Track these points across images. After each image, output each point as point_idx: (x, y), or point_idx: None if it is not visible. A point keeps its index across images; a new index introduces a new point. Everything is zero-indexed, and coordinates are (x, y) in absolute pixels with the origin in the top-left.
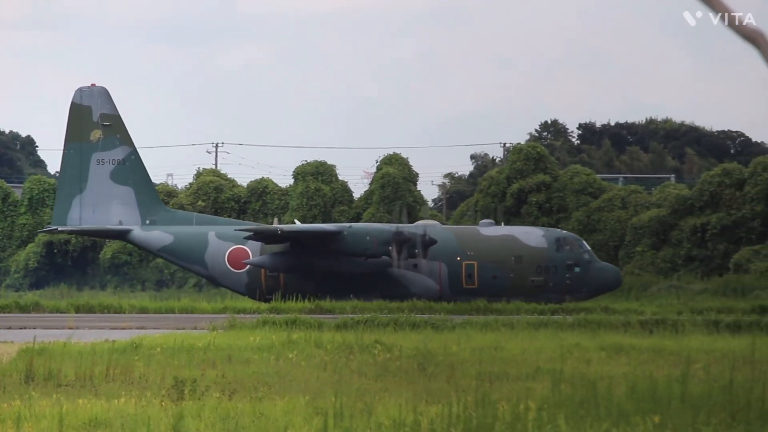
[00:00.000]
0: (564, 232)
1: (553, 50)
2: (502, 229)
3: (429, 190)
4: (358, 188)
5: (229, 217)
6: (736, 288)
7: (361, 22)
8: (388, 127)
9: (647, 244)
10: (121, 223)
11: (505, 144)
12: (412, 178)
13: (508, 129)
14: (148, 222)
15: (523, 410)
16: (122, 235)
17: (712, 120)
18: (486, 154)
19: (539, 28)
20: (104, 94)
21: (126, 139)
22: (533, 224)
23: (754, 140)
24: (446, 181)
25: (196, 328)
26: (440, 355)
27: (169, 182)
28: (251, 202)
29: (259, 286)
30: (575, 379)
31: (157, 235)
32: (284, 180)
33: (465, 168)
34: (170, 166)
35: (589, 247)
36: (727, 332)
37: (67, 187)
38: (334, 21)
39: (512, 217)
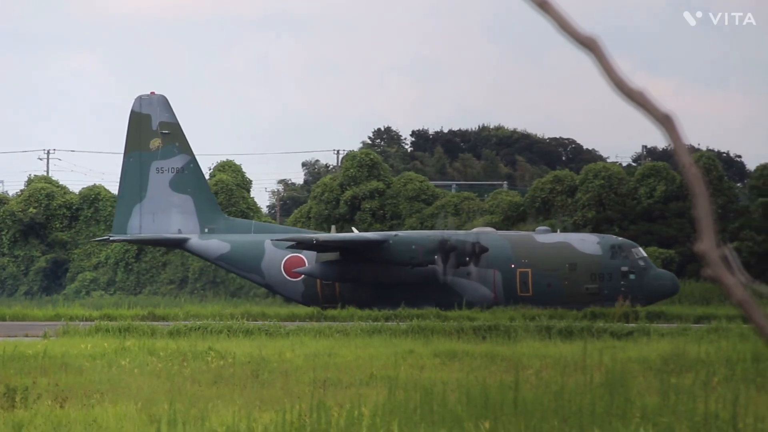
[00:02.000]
0: (620, 239)
1: (385, 57)
2: (558, 236)
3: (263, 197)
4: None
5: (61, 224)
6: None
7: (192, 29)
8: (221, 134)
9: None
10: (180, 231)
11: (338, 151)
12: (245, 185)
13: (342, 136)
14: (206, 230)
15: (357, 416)
16: (179, 244)
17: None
18: (317, 161)
19: (370, 35)
20: (163, 102)
21: (185, 147)
22: (367, 230)
23: (585, 147)
24: (280, 187)
25: (27, 336)
26: (274, 361)
27: (0, 189)
28: (83, 209)
29: (316, 295)
30: (409, 385)
31: (215, 244)
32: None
33: (299, 175)
34: (0, 173)
35: (645, 254)
36: (558, 338)
37: (128, 195)
38: (166, 27)
39: (346, 223)
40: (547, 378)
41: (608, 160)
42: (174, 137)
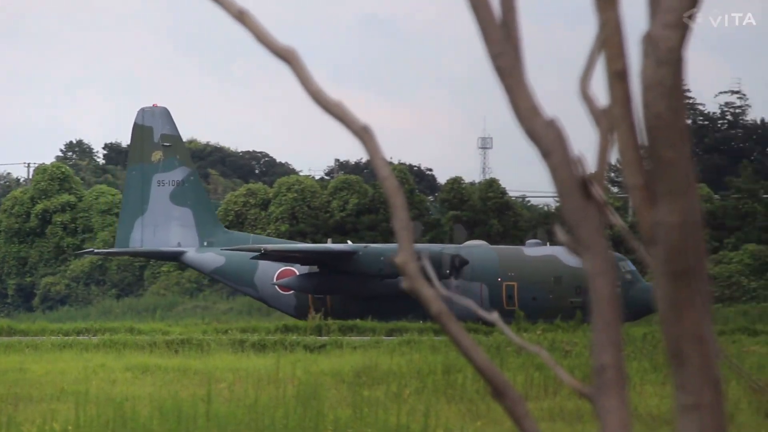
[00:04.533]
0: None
1: (76, 70)
2: (546, 249)
3: None
4: None
5: None
6: (261, 308)
7: None
8: None
9: (173, 264)
10: (179, 245)
11: (29, 164)
12: None
13: (34, 149)
14: (205, 244)
15: None
16: (176, 257)
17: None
18: (9, 174)
19: (62, 47)
20: (165, 114)
21: (185, 160)
22: (59, 245)
23: (278, 161)
24: None
25: None
26: None
27: None
28: None
29: (307, 309)
30: (101, 400)
31: (210, 257)
32: None
33: None
34: None
35: (633, 267)
36: (252, 351)
37: (130, 208)
38: None
39: (37, 237)
40: (240, 391)
41: (301, 174)
42: (175, 150)
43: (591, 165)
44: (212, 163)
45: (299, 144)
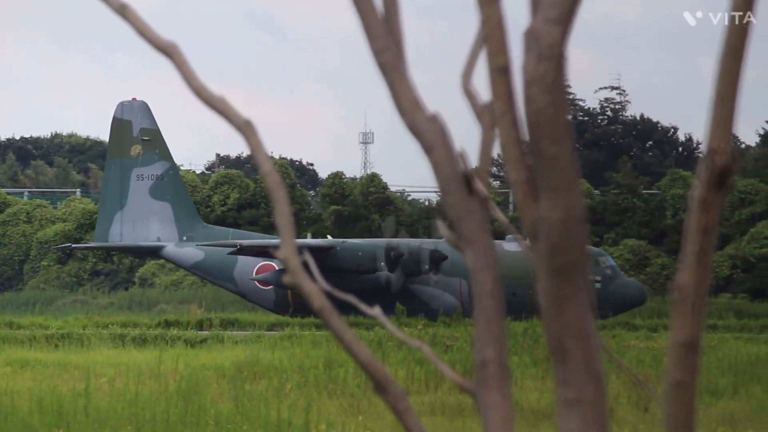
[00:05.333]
0: (588, 247)
1: None
2: (526, 244)
3: None
4: None
5: None
6: (142, 302)
7: None
8: None
9: (53, 258)
10: (159, 239)
11: None
12: None
13: None
14: (185, 238)
15: None
16: (155, 252)
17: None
18: None
19: None
20: (144, 108)
21: (165, 154)
22: None
23: None
24: None
25: None
26: None
27: None
28: None
29: (287, 304)
30: None
31: (189, 252)
32: None
33: None
34: None
35: (613, 263)
36: (133, 346)
37: (109, 203)
38: None
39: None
40: (120, 386)
41: (182, 168)
42: (154, 144)
43: (473, 160)
44: (92, 158)
45: (180, 139)
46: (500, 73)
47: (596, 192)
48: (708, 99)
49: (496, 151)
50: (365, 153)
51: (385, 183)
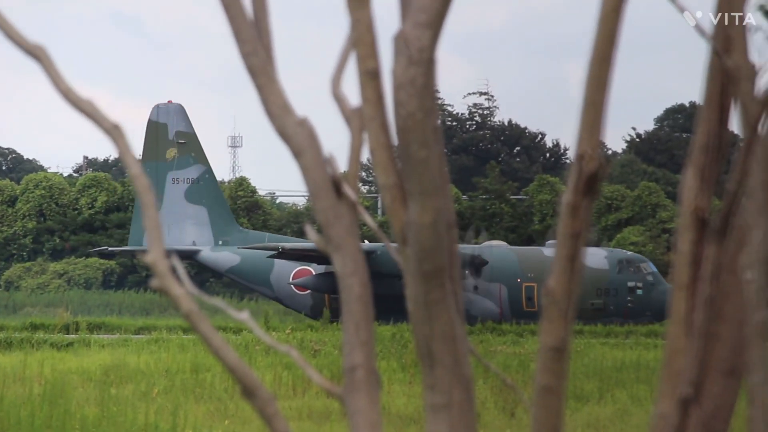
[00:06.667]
0: (629, 253)
1: None
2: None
3: None
4: None
5: None
6: (8, 305)
7: None
8: None
9: None
10: (194, 243)
11: None
12: None
13: None
14: (220, 242)
15: None
16: (191, 256)
17: None
18: None
19: None
20: (180, 111)
21: (200, 158)
22: None
23: (26, 157)
24: None
25: None
26: None
27: None
28: None
29: (323, 309)
30: None
31: (225, 256)
32: None
33: None
34: None
35: (655, 269)
36: None
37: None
38: None
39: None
40: None
41: (50, 170)
42: (190, 147)
43: (343, 164)
44: None
45: (47, 140)
46: (370, 77)
47: (464, 197)
48: (575, 105)
49: (365, 155)
50: (234, 156)
51: (254, 187)
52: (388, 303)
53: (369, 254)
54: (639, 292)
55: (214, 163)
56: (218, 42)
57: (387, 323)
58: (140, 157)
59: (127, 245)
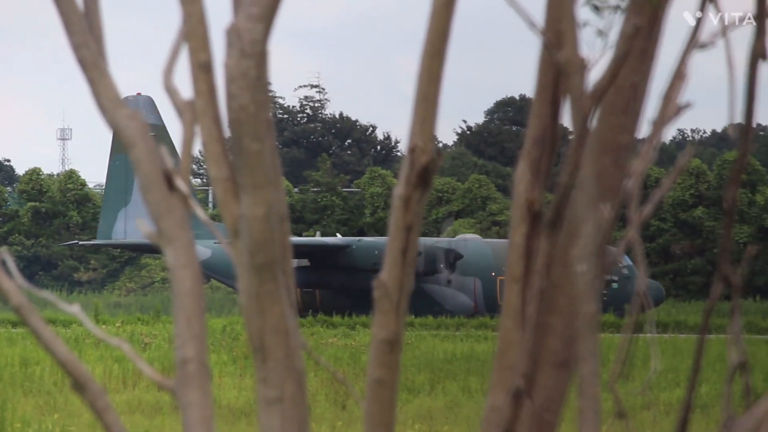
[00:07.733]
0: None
1: None
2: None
3: None
4: None
5: None
6: None
7: None
8: None
9: None
10: None
11: None
12: None
13: None
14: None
15: None
16: (158, 249)
17: None
18: None
19: None
20: (150, 103)
21: (171, 150)
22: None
23: None
24: None
25: None
26: None
27: None
28: None
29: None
30: None
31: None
32: None
33: None
34: None
35: (631, 262)
36: None
37: (113, 199)
38: None
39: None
40: None
41: None
42: (160, 139)
43: (175, 157)
44: None
45: None
46: (202, 69)
47: (295, 190)
48: (406, 98)
49: (197, 147)
50: (63, 149)
51: (84, 180)
52: (363, 297)
53: (344, 249)
54: (614, 285)
55: (44, 156)
56: (47, 32)
57: (365, 316)
58: (110, 150)
59: (95, 239)
